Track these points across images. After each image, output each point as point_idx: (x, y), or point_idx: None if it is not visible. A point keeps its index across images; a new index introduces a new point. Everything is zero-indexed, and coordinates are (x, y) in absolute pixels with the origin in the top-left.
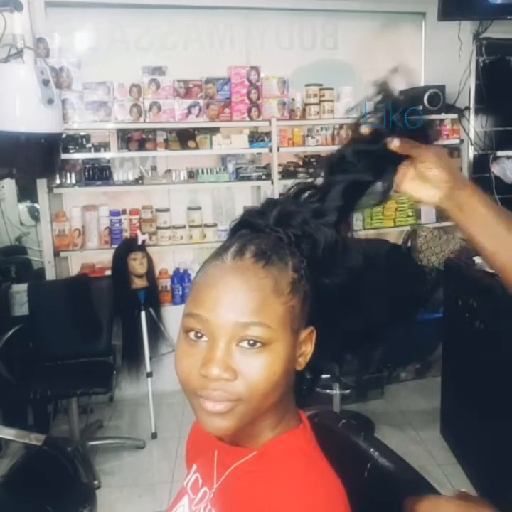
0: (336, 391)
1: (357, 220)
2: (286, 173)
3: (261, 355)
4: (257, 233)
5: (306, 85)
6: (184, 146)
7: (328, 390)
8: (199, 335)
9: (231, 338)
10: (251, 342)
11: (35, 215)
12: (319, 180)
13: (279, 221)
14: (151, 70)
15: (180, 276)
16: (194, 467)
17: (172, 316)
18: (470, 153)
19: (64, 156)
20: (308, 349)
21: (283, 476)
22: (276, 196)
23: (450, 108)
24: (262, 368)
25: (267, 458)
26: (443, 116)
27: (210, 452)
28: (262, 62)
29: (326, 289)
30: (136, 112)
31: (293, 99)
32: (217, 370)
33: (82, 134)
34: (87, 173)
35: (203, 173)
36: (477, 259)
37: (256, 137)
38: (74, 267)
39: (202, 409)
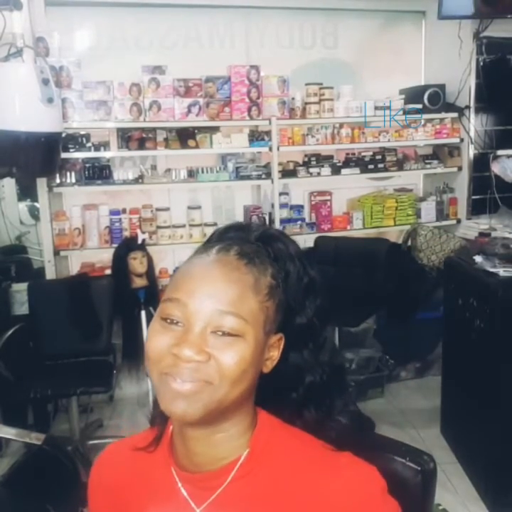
0: None
1: (357, 219)
2: (286, 172)
3: (233, 343)
4: (240, 240)
5: (306, 84)
6: (184, 145)
7: None
8: (175, 321)
9: (207, 324)
10: (225, 332)
11: (35, 214)
12: None
13: (260, 239)
14: (151, 68)
15: None
16: None
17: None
18: (470, 152)
19: (64, 155)
20: (275, 354)
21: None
22: (276, 195)
23: (450, 107)
24: (233, 353)
25: (261, 449)
26: (443, 115)
27: (164, 493)
28: (262, 61)
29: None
30: (136, 110)
31: (293, 98)
32: (190, 351)
33: (82, 133)
34: (87, 172)
35: (203, 172)
36: (477, 258)
37: (256, 136)
38: (74, 266)
39: (168, 389)
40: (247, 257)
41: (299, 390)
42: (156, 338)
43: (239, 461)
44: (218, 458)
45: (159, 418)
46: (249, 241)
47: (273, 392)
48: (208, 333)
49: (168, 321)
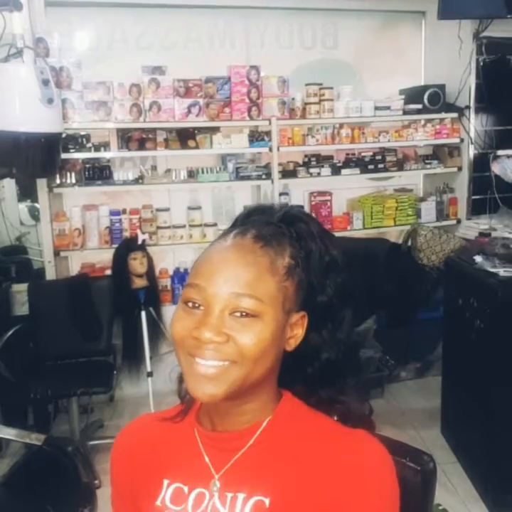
0: None
1: (357, 219)
2: (286, 172)
3: (251, 324)
4: (260, 223)
5: (306, 84)
6: (184, 145)
7: None
8: (196, 305)
9: (225, 306)
10: (243, 313)
11: (35, 214)
12: None
13: (282, 220)
14: (150, 69)
15: (180, 276)
16: (166, 482)
17: (172, 315)
18: (470, 152)
19: (64, 155)
20: (299, 332)
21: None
22: (276, 195)
23: (450, 107)
24: (251, 334)
25: (283, 418)
26: (443, 115)
27: (187, 458)
28: (262, 61)
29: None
30: (136, 111)
31: (293, 99)
32: (209, 333)
33: (82, 133)
34: (87, 173)
35: (203, 172)
36: (477, 258)
37: (256, 136)
38: (74, 266)
39: (194, 373)
40: (264, 240)
41: (315, 365)
42: (179, 321)
43: (261, 425)
44: (243, 422)
45: (188, 394)
46: (271, 223)
47: (288, 369)
48: (226, 316)
49: (190, 304)
